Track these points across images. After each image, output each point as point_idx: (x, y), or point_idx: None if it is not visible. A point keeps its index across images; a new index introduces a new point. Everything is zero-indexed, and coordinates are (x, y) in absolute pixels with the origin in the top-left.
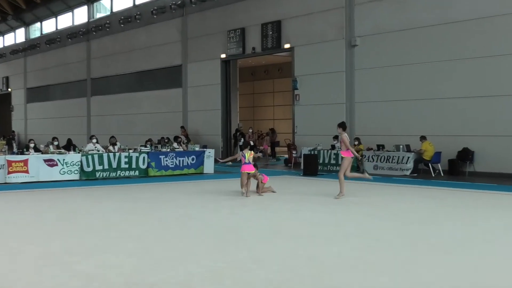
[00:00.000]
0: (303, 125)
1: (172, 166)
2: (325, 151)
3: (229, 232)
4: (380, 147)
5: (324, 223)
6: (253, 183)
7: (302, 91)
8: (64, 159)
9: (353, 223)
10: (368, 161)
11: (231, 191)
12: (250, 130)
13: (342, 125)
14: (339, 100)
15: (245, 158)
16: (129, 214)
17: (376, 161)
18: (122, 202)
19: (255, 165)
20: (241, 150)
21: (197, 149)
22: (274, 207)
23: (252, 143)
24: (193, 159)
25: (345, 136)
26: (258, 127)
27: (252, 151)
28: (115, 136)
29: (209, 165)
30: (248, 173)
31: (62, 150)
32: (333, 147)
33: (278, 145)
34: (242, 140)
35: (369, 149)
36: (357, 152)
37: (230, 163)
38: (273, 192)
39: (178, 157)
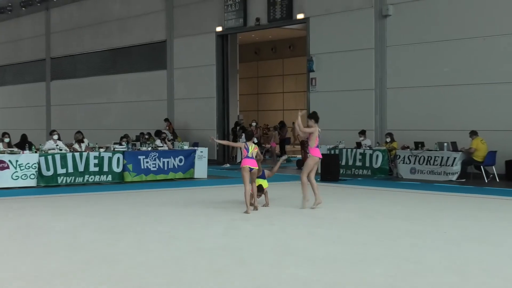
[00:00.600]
0: (320, 117)
1: (155, 169)
2: (349, 150)
3: (225, 254)
4: (419, 145)
5: (346, 242)
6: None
7: (320, 73)
8: (17, 161)
9: (383, 242)
10: (403, 162)
11: (229, 201)
12: (254, 124)
13: (314, 116)
14: (367, 85)
15: (247, 151)
16: (99, 232)
17: (414, 163)
18: (90, 216)
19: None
20: (246, 141)
21: (186, 147)
22: (282, 222)
23: (256, 140)
24: (181, 161)
25: (316, 130)
26: (263, 120)
27: (257, 146)
28: (81, 132)
29: (201, 168)
30: (251, 169)
31: (15, 149)
32: (359, 145)
33: (289, 143)
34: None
35: (404, 147)
36: (390, 151)
37: (227, 165)
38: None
39: (161, 158)
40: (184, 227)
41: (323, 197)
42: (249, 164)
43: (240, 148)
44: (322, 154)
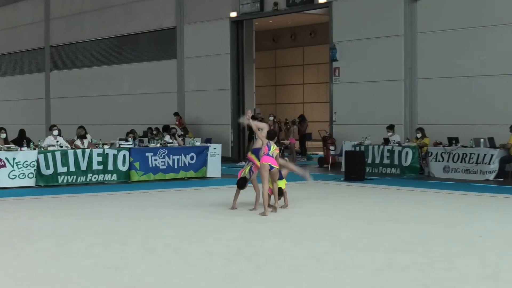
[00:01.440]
0: (344, 111)
1: (164, 167)
2: (376, 146)
3: (241, 259)
4: (453, 141)
5: (371, 247)
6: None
7: (344, 63)
8: (14, 158)
9: (412, 247)
10: (435, 160)
11: (245, 202)
12: (271, 118)
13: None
14: (395, 75)
15: (269, 148)
16: (103, 236)
17: (447, 161)
18: (93, 219)
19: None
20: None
21: (198, 144)
22: (302, 224)
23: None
24: (192, 158)
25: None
26: (282, 114)
27: (277, 147)
28: (84, 127)
29: (214, 167)
30: (271, 167)
31: (12, 146)
32: (386, 141)
33: (310, 139)
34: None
35: (437, 144)
36: (421, 148)
37: (243, 163)
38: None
39: (171, 155)
40: (196, 230)
41: (347, 198)
42: (270, 161)
43: (262, 142)
44: (346, 152)
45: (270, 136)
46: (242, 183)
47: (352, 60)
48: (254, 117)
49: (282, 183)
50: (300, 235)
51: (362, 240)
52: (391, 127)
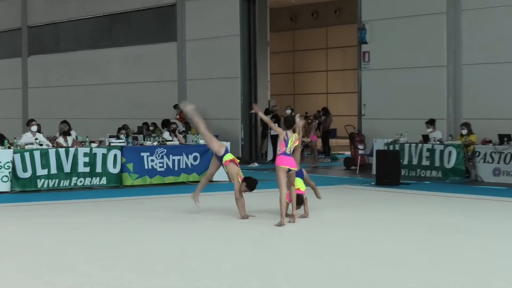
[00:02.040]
0: (375, 103)
1: (162, 169)
2: (413, 145)
3: (254, 277)
4: (505, 139)
5: (407, 264)
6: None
7: (374, 46)
8: None
9: (455, 264)
10: (484, 161)
11: (258, 210)
12: (289, 112)
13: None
14: (436, 60)
15: (286, 144)
16: (90, 251)
17: (498, 162)
18: (78, 230)
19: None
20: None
21: (202, 142)
22: (325, 236)
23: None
24: (195, 159)
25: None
26: (301, 106)
27: (297, 137)
28: (68, 122)
29: (221, 169)
30: (289, 170)
31: None
32: (426, 138)
33: (335, 136)
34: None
35: (485, 142)
36: (466, 147)
37: (256, 164)
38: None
39: (171, 155)
40: (200, 243)
41: (378, 206)
42: (287, 164)
43: (278, 137)
44: (377, 152)
45: (287, 124)
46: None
47: (385, 42)
48: (268, 111)
49: (301, 183)
50: (322, 249)
51: (396, 256)
52: (431, 122)
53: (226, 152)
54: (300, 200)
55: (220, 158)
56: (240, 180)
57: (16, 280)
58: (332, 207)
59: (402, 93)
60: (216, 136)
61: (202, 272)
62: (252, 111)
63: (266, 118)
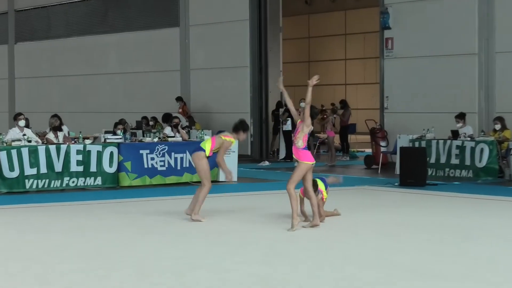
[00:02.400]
0: (399, 95)
1: (163, 168)
2: (441, 142)
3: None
4: None
5: (441, 276)
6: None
7: (398, 31)
8: None
9: (499, 273)
10: None
11: (269, 214)
12: (302, 105)
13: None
14: (466, 48)
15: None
16: (84, 258)
17: None
18: (70, 236)
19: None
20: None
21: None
22: (343, 243)
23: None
24: None
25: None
26: (317, 98)
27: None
28: (59, 116)
29: (229, 168)
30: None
31: None
32: (455, 134)
33: (354, 131)
34: (289, 121)
35: None
36: (500, 143)
37: (266, 163)
38: (337, 214)
39: (173, 153)
40: (205, 250)
41: (403, 209)
42: (307, 159)
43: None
44: (401, 149)
45: (314, 115)
46: None
47: (410, 28)
48: (280, 105)
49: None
50: (341, 258)
51: (424, 265)
52: (461, 116)
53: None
54: (315, 185)
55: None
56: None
57: None
58: (352, 210)
59: (429, 84)
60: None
61: (208, 283)
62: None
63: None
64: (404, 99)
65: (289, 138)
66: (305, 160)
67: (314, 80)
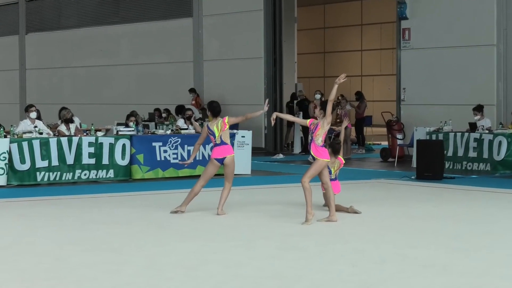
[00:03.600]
0: (416, 87)
1: (176, 161)
2: (458, 134)
3: (278, 284)
4: None
5: (460, 272)
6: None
7: (416, 22)
8: None
9: None
10: None
11: (283, 208)
12: (318, 97)
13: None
14: (485, 39)
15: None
16: (95, 252)
17: None
18: (82, 230)
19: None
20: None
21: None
22: (358, 237)
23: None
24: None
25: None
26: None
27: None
28: (68, 108)
29: (242, 161)
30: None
31: None
32: (473, 126)
33: (370, 124)
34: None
35: None
36: None
37: (281, 156)
38: (356, 212)
39: (186, 146)
40: (217, 245)
41: (420, 203)
42: (323, 156)
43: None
44: (418, 142)
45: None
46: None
47: (427, 18)
48: (294, 96)
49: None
50: (356, 253)
51: (443, 261)
52: (479, 109)
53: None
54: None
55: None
56: None
57: (12, 286)
58: (367, 204)
59: (447, 76)
60: (236, 125)
61: (220, 277)
62: (272, 118)
63: (287, 116)
64: (421, 91)
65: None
66: (324, 158)
67: (341, 79)
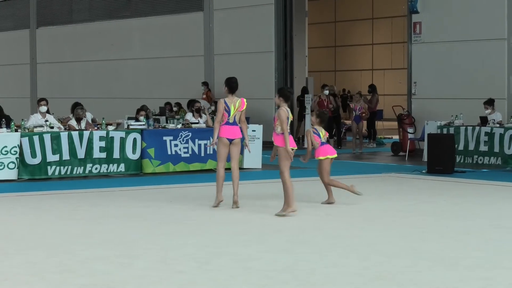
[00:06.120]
0: (427, 81)
1: (187, 155)
2: (469, 128)
3: (289, 278)
4: None
5: (469, 265)
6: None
7: (427, 16)
8: None
9: None
10: None
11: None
12: (326, 92)
13: (282, 93)
14: (496, 32)
15: (319, 137)
16: (106, 246)
17: None
18: (93, 224)
19: None
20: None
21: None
22: (371, 233)
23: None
24: None
25: (283, 111)
26: (343, 84)
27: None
28: (83, 107)
29: (253, 155)
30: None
31: None
32: (484, 120)
33: (381, 118)
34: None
35: None
36: None
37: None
38: (356, 193)
39: (197, 140)
40: (229, 238)
41: (430, 197)
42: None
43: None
44: (429, 136)
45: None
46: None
47: (438, 12)
48: (306, 90)
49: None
50: (368, 247)
51: (453, 254)
52: (490, 102)
53: None
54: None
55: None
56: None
57: (22, 280)
58: (378, 198)
59: (458, 70)
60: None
61: (232, 271)
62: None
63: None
64: (432, 84)
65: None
66: (279, 145)
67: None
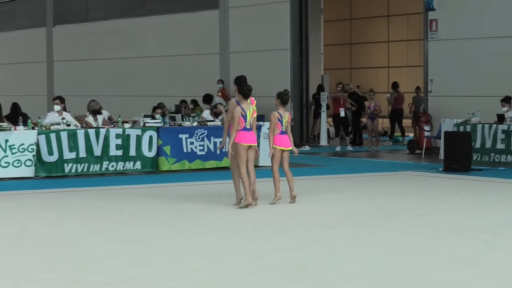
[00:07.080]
0: (444, 78)
1: (202, 153)
2: (486, 126)
3: (302, 276)
4: None
5: (486, 264)
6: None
7: (443, 13)
8: (7, 140)
9: None
10: None
11: (308, 200)
12: (340, 88)
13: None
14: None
15: (282, 124)
16: (121, 243)
17: None
18: (108, 221)
19: None
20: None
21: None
22: (386, 231)
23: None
24: None
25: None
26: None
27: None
28: (97, 100)
29: (268, 152)
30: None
31: (4, 124)
32: (501, 118)
33: (401, 116)
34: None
35: None
36: None
37: (307, 147)
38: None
39: (212, 137)
40: (242, 236)
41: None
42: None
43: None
44: (445, 134)
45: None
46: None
47: (454, 9)
48: (321, 88)
49: None
50: (383, 245)
51: (470, 253)
52: (507, 100)
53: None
54: None
55: None
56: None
57: (38, 276)
58: (394, 196)
59: (474, 67)
60: (262, 117)
61: (245, 269)
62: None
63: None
64: (448, 82)
65: (339, 123)
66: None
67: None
